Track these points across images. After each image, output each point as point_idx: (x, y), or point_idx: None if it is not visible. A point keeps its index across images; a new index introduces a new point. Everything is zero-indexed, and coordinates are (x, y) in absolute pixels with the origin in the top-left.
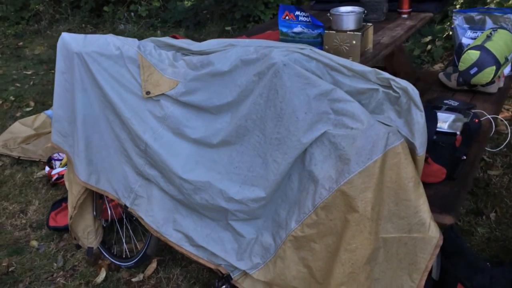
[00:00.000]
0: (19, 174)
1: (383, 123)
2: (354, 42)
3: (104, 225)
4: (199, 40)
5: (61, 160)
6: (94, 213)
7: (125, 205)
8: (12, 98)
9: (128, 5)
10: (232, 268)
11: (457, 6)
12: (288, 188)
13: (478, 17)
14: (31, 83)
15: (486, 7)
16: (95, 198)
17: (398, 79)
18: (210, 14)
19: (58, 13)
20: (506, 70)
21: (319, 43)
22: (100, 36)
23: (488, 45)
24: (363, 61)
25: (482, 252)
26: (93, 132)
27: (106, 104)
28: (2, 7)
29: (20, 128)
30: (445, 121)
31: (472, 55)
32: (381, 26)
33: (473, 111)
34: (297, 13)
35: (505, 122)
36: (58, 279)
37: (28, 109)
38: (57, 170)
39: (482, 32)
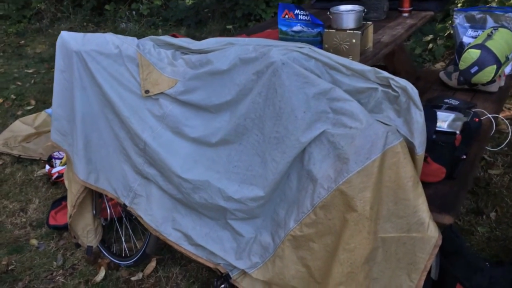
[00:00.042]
0: (20, 173)
1: (382, 122)
2: (354, 41)
3: (104, 224)
4: (200, 38)
5: (61, 158)
6: (94, 212)
7: (124, 204)
8: (13, 96)
9: (129, 4)
10: (231, 267)
11: (459, 5)
12: (287, 188)
13: (479, 15)
14: (32, 81)
15: (487, 5)
16: (95, 197)
17: (397, 78)
18: (211, 13)
19: (59, 12)
20: (507, 69)
21: (318, 42)
22: (99, 35)
23: (488, 44)
24: (363, 60)
25: (482, 251)
26: (92, 130)
27: (105, 102)
28: (4, 6)
29: (20, 127)
30: (444, 120)
31: (472, 54)
32: (382, 24)
33: (473, 110)
34: (297, 11)
35: (506, 121)
36: (57, 278)
37: (29, 107)
38: (57, 168)
39: (483, 31)
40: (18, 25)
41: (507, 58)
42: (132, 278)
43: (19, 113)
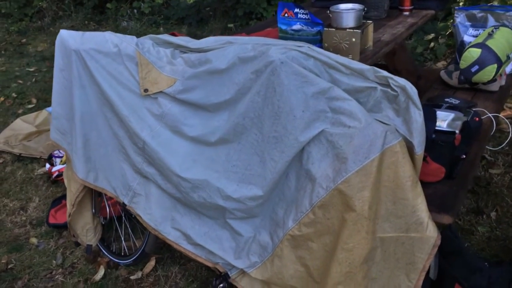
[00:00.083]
0: (20, 171)
1: (381, 121)
2: (353, 39)
3: (103, 223)
4: (202, 37)
5: (61, 157)
6: (93, 210)
7: (123, 203)
8: (14, 95)
9: (131, 2)
10: (230, 267)
11: (460, 4)
12: (285, 187)
13: (480, 14)
14: (34, 80)
15: (489, 4)
16: (94, 196)
17: (396, 77)
18: (212, 11)
19: (61, 10)
20: (508, 68)
21: (318, 40)
22: (98, 33)
23: (489, 43)
24: (362, 59)
25: (482, 251)
26: (91, 129)
27: (104, 101)
28: (6, 4)
29: (21, 125)
30: (444, 120)
31: (473, 53)
32: (382, 23)
33: (474, 109)
34: (296, 10)
35: (507, 120)
36: (56, 277)
37: (30, 106)
38: (58, 167)
39: (484, 30)
40: (20, 23)
41: (508, 57)
42: (131, 277)
43: (20, 111)
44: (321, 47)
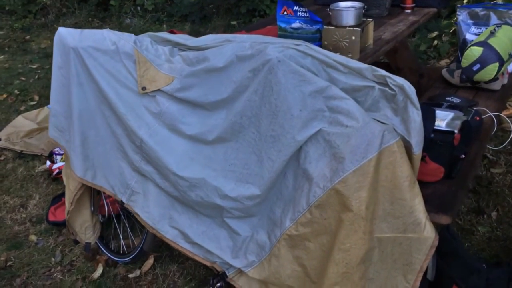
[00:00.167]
0: (21, 168)
1: (379, 121)
2: (353, 38)
3: (102, 221)
4: (205, 34)
5: (62, 154)
6: (92, 208)
7: (121, 201)
8: (16, 92)
9: None
10: (227, 266)
11: (464, 1)
12: (283, 186)
13: (482, 12)
14: (36, 77)
15: (492, 2)
16: (93, 194)
17: (394, 76)
18: (216, 9)
19: (65, 7)
20: (510, 67)
21: (317, 39)
22: (96, 31)
23: (491, 41)
24: (362, 57)
25: (482, 251)
26: (89, 127)
27: (102, 99)
28: (10, 1)
29: (23, 122)
30: (443, 119)
31: (474, 52)
32: (384, 21)
33: (475, 108)
34: (296, 8)
35: (508, 119)
36: (55, 274)
37: (32, 103)
38: (58, 164)
39: (486, 28)
40: (23, 20)
41: (510, 56)
42: (130, 275)
43: (22, 108)
44: (321, 45)
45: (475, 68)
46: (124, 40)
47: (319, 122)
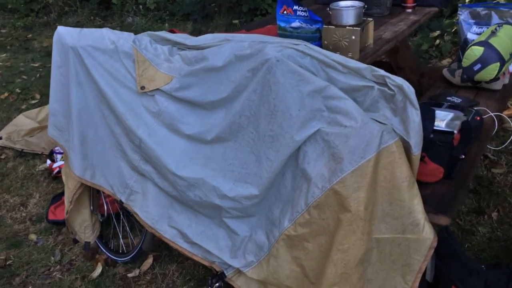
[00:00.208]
0: (22, 167)
1: (377, 121)
2: (353, 37)
3: (101, 220)
4: (206, 33)
5: (62, 153)
6: (91, 207)
7: (120, 200)
8: (18, 90)
9: None
10: (226, 266)
11: (466, 0)
12: (282, 186)
13: (484, 12)
14: (38, 75)
15: (494, 1)
16: (92, 193)
17: (393, 77)
18: (218, 7)
19: (67, 6)
20: (511, 67)
21: (317, 38)
22: (95, 30)
23: (492, 41)
24: (362, 57)
25: (483, 252)
26: (88, 126)
27: (101, 98)
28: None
29: (24, 121)
30: (443, 120)
31: (475, 51)
32: (384, 20)
33: (475, 108)
34: (295, 7)
35: (509, 119)
36: (54, 273)
37: (33, 101)
38: (58, 163)
39: (487, 27)
40: (26, 18)
41: (511, 55)
42: (129, 275)
43: (23, 107)
44: (320, 45)
45: (476, 67)
46: (123, 39)
47: (317, 122)
